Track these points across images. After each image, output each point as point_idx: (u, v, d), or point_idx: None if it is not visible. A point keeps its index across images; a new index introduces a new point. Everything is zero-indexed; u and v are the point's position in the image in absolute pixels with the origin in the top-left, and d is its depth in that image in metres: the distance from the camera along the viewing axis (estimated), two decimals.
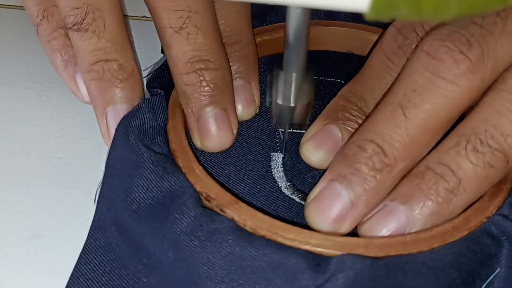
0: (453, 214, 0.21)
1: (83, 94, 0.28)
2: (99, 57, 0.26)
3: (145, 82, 0.28)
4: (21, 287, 0.23)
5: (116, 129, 0.24)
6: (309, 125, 0.26)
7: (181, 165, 0.24)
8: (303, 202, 0.24)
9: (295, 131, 0.28)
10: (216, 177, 0.25)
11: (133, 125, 0.24)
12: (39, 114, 0.30)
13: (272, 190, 0.25)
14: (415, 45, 0.24)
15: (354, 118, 0.25)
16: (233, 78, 0.28)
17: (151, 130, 0.25)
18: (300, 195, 0.25)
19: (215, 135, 0.26)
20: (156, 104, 0.25)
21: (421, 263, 0.20)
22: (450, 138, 0.22)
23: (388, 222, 0.22)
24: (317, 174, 0.26)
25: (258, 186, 0.25)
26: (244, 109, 0.28)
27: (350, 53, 0.33)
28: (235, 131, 0.27)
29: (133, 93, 0.26)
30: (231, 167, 0.26)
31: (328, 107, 0.26)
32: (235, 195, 0.24)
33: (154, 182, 0.23)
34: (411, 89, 0.22)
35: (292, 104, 0.23)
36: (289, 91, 0.23)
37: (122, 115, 0.25)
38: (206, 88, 0.25)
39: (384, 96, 0.24)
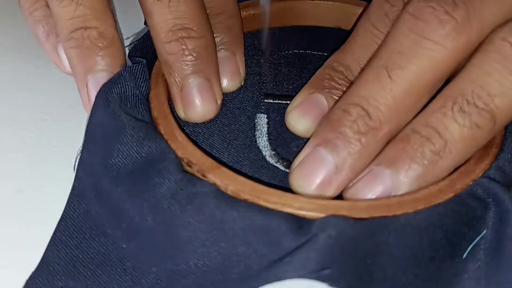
0: (439, 176, 0.21)
1: (65, 65, 0.28)
2: (78, 25, 0.25)
3: (127, 52, 0.28)
4: (5, 241, 0.23)
5: (96, 96, 0.24)
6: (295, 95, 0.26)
7: (162, 132, 0.23)
8: (288, 170, 0.24)
9: (280, 101, 0.28)
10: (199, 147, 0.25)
11: (114, 92, 0.24)
12: (26, 79, 0.30)
13: (256, 158, 0.25)
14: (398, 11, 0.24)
15: (340, 86, 0.25)
16: (217, 49, 0.27)
17: (132, 98, 0.24)
18: (284, 163, 0.25)
19: (198, 105, 0.25)
20: (138, 72, 0.25)
21: (405, 223, 0.20)
22: (436, 100, 0.22)
23: (373, 187, 0.21)
24: (302, 143, 0.25)
25: (242, 155, 0.25)
26: (229, 81, 0.28)
27: (338, 28, 0.33)
28: (219, 102, 0.26)
29: (114, 61, 0.26)
30: (214, 137, 0.26)
31: (314, 77, 0.26)
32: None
33: (134, 148, 0.22)
34: (396, 51, 0.21)
35: None
36: None
37: (102, 83, 0.24)
38: (189, 57, 0.25)
39: (369, 61, 0.23)
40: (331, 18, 0.33)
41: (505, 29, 0.21)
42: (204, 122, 0.26)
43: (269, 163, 0.25)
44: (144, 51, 0.27)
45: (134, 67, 0.25)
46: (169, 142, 0.23)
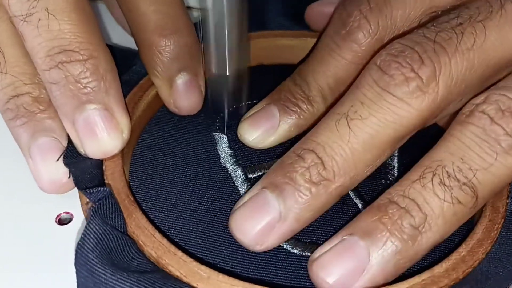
0: (418, 255, 0.19)
1: None
2: (10, 94, 0.22)
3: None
4: None
5: (75, 263, 0.17)
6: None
7: (178, 274, 0.18)
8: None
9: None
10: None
11: (95, 251, 0.17)
12: None
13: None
14: (358, 24, 0.23)
15: (295, 100, 0.24)
16: (179, 75, 0.24)
17: (116, 245, 0.18)
18: None
19: (99, 138, 0.21)
20: (107, 206, 0.19)
21: None
22: (415, 170, 0.20)
23: (345, 260, 0.18)
24: None
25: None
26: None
27: (260, 65, 0.30)
28: (125, 134, 0.22)
29: (54, 124, 0.22)
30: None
31: (276, 88, 0.25)
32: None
33: None
34: (359, 101, 0.20)
35: (227, 73, 0.22)
36: (224, 58, 0.21)
37: (46, 150, 0.21)
38: (76, 86, 0.20)
39: (333, 107, 0.21)
40: (251, 56, 0.29)
41: (485, 100, 0.20)
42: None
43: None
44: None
45: (100, 204, 0.18)
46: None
